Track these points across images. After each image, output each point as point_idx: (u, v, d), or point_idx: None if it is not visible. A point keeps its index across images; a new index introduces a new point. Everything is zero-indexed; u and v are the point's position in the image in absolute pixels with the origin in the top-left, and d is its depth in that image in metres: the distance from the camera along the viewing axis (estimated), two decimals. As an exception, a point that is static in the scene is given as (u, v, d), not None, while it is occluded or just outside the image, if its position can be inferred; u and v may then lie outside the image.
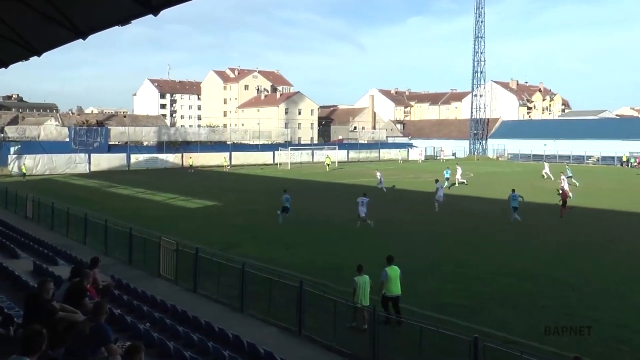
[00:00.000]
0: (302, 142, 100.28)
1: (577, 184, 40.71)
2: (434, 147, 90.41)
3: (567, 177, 39.42)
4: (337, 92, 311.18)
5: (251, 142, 77.47)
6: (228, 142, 72.40)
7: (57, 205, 24.85)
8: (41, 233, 21.31)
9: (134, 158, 61.35)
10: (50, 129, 60.88)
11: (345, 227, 24.23)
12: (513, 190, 26.54)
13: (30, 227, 23.06)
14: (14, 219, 24.95)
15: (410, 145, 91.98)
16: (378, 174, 39.87)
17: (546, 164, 55.89)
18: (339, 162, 70.06)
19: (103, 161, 58.69)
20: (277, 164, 67.71)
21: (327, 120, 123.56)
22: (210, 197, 34.51)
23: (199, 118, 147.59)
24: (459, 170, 43.46)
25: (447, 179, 41.00)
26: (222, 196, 35.07)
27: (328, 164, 63.05)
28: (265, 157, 70.96)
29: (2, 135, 57.68)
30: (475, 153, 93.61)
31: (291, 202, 25.34)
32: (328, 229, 23.74)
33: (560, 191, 29.85)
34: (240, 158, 68.83)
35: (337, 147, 74.01)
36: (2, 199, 30.83)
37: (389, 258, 12.44)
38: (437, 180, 32.00)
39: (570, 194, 32.38)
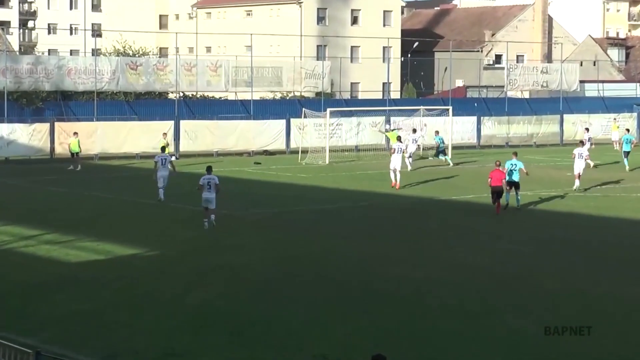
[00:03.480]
0: (360, 97, 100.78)
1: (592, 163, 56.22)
2: None
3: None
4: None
5: (230, 97, 78.23)
6: (172, 95, 73.57)
7: None
8: None
9: None
10: None
11: (431, 300, 25.30)
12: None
13: None
14: None
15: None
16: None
17: None
18: (453, 147, 69.14)
19: None
20: (297, 153, 68.29)
21: (423, 41, 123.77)
22: (126, 237, 35.62)
23: (97, 33, 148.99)
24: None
25: None
26: (156, 234, 35.75)
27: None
28: (266, 136, 72.36)
29: None
30: None
31: None
32: (397, 305, 25.25)
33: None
34: (204, 135, 69.96)
35: (450, 107, 73.75)
36: None
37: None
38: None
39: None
